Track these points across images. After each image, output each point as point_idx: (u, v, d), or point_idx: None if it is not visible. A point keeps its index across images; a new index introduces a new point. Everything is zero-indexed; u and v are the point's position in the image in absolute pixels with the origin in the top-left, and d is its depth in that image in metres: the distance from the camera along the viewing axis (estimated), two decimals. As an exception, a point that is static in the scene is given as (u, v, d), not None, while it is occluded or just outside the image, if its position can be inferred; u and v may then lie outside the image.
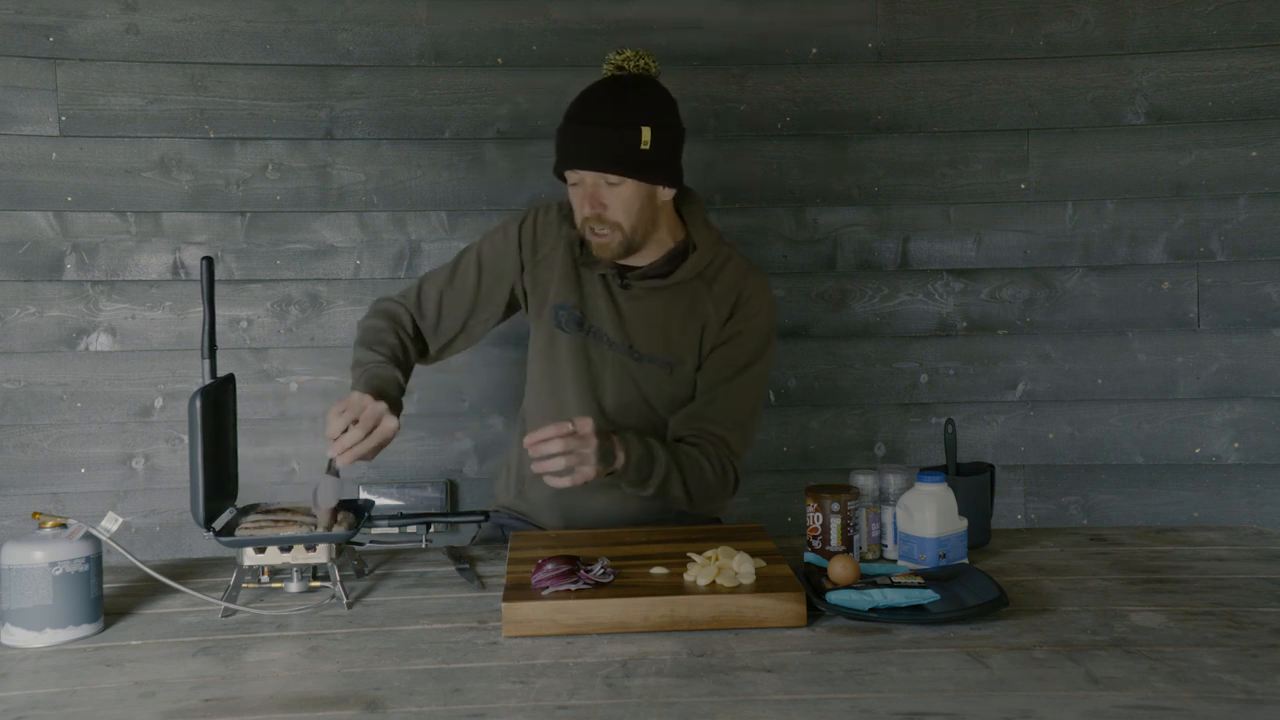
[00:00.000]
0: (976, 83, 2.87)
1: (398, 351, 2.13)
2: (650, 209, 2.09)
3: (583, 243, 2.15)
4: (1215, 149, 2.86)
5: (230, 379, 1.91)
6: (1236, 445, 2.89)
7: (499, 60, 2.83)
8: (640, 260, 2.16)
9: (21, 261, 2.77)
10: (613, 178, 2.04)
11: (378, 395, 1.90)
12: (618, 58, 2.11)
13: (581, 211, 2.08)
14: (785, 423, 2.92)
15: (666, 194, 2.12)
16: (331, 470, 1.82)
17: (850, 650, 1.52)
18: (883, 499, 1.92)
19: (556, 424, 1.87)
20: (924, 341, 2.93)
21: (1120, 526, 2.20)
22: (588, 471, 1.89)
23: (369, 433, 1.83)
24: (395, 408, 1.93)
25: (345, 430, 1.83)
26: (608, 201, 2.05)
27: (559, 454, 1.86)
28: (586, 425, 1.89)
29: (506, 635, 1.59)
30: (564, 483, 1.89)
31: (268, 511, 1.83)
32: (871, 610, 1.62)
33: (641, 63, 2.11)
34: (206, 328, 1.81)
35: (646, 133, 2.03)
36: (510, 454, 2.34)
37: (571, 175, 2.08)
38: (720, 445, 2.12)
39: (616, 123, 2.04)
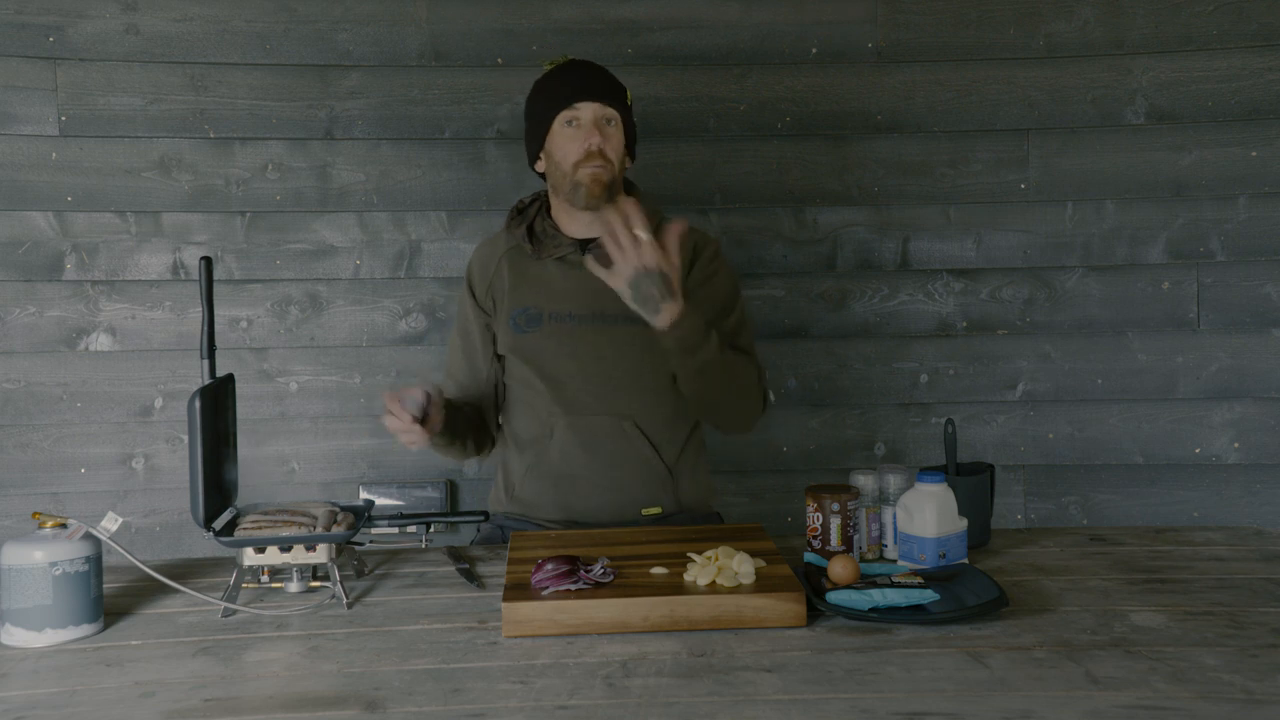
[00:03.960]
0: (976, 83, 2.87)
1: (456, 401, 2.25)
2: (622, 168, 2.21)
3: (531, 237, 2.24)
4: (1215, 149, 2.86)
5: (230, 379, 1.91)
6: (1236, 445, 2.89)
7: (499, 60, 2.83)
8: (598, 229, 2.18)
9: (21, 261, 2.77)
10: (611, 112, 2.16)
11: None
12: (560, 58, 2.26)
13: (585, 145, 2.14)
14: (785, 423, 2.92)
15: (627, 162, 2.23)
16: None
17: (850, 650, 1.52)
18: (883, 499, 1.92)
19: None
20: (924, 341, 2.93)
21: (1120, 526, 2.20)
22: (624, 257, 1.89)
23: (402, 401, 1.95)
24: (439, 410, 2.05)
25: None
26: (607, 136, 2.16)
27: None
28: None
29: (506, 635, 1.59)
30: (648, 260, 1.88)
31: (267, 512, 1.83)
32: (871, 610, 1.62)
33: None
34: (205, 328, 1.81)
35: (628, 93, 2.22)
36: (497, 468, 2.35)
37: (567, 114, 2.16)
38: (750, 360, 2.19)
39: (609, 73, 2.21)
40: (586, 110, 2.15)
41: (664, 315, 1.94)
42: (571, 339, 2.18)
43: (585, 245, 2.20)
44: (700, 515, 2.25)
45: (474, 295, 2.29)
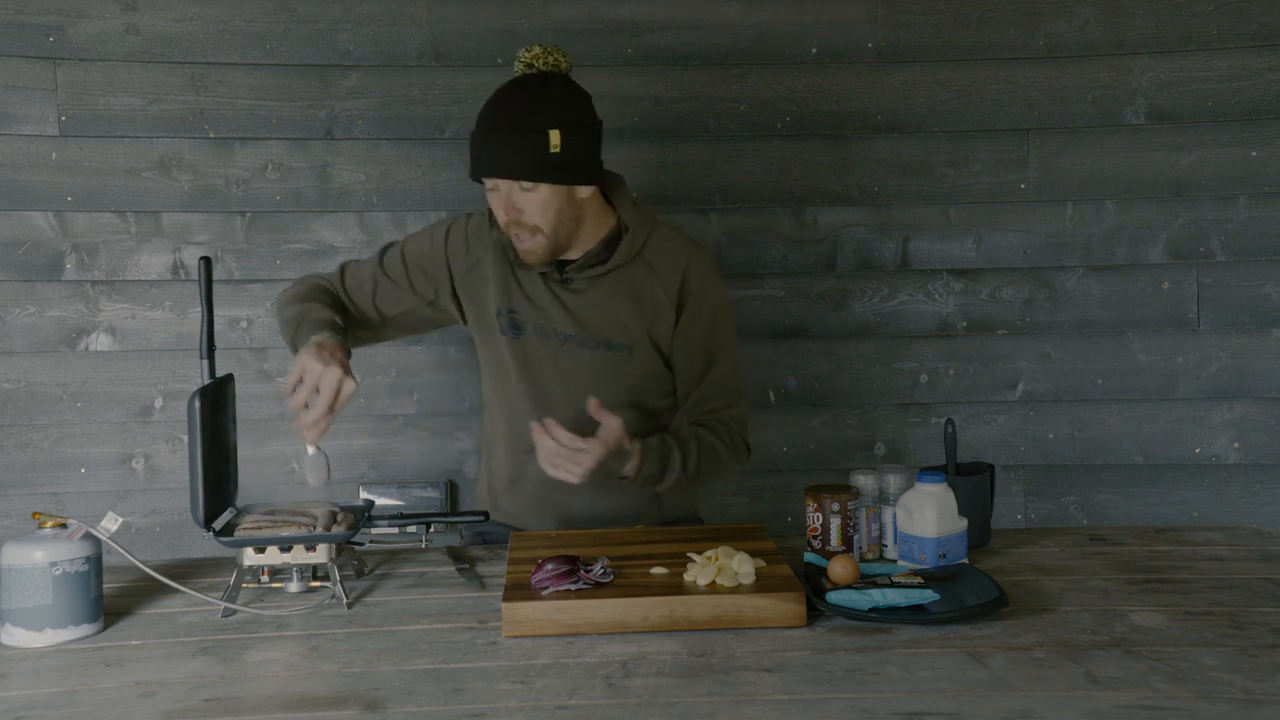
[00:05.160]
0: (976, 83, 2.87)
1: (336, 304, 2.17)
2: (571, 209, 2.06)
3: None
4: (1215, 149, 2.86)
5: (229, 379, 1.91)
6: (1236, 445, 2.89)
7: (499, 60, 2.83)
8: (575, 253, 2.13)
9: (21, 261, 2.77)
10: (525, 183, 2.01)
11: (330, 340, 1.96)
12: (527, 55, 2.07)
13: (499, 218, 2.06)
14: (785, 423, 2.92)
15: (585, 191, 2.07)
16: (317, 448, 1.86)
17: (850, 650, 1.52)
18: (883, 499, 1.92)
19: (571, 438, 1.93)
20: (924, 341, 2.93)
21: (1120, 526, 2.20)
22: (572, 476, 1.96)
23: (332, 404, 1.87)
24: (345, 350, 1.99)
25: (307, 405, 1.87)
26: (523, 206, 2.02)
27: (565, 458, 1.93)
28: (599, 446, 1.94)
29: (506, 635, 1.59)
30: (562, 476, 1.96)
31: (267, 511, 1.83)
32: (871, 610, 1.62)
33: (551, 59, 2.06)
34: (205, 328, 1.81)
35: (555, 135, 1.98)
36: (479, 468, 2.34)
37: (487, 181, 2.05)
38: (729, 425, 2.17)
39: (524, 128, 1.99)
40: (498, 182, 2.03)
41: (628, 470, 2.03)
42: (556, 358, 2.13)
43: (563, 266, 2.12)
44: (683, 520, 2.26)
45: (449, 265, 2.20)
